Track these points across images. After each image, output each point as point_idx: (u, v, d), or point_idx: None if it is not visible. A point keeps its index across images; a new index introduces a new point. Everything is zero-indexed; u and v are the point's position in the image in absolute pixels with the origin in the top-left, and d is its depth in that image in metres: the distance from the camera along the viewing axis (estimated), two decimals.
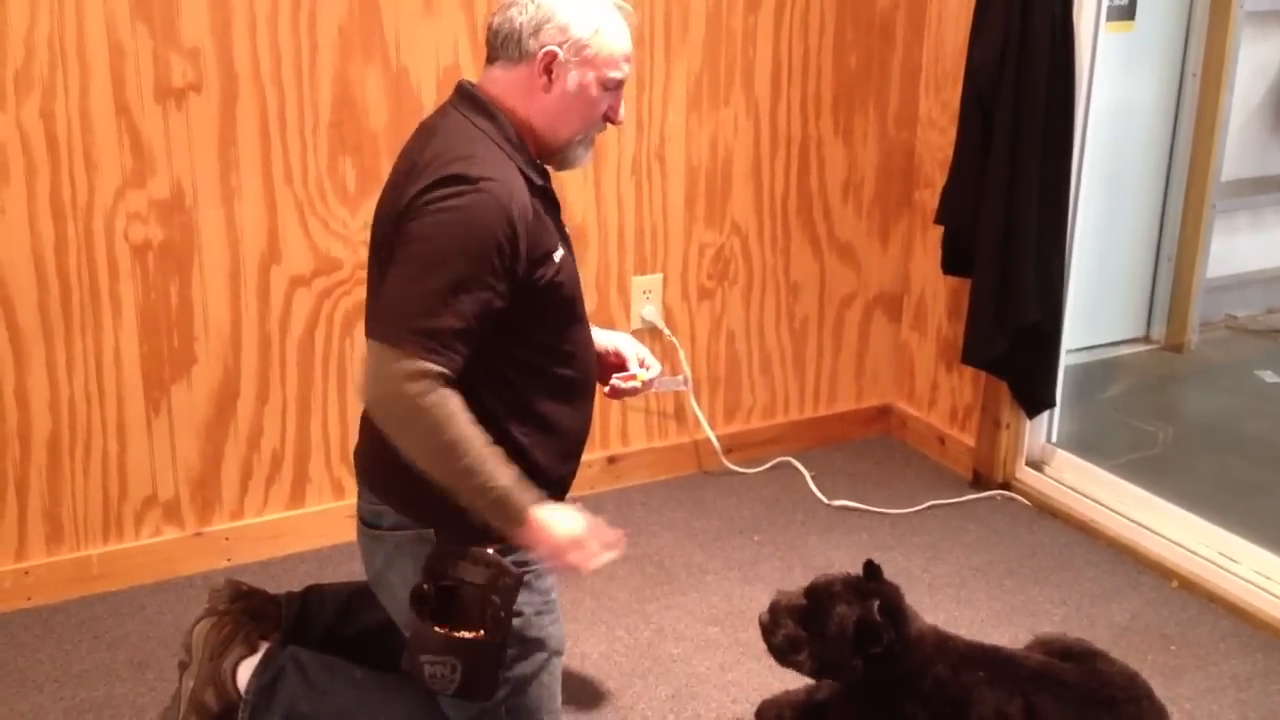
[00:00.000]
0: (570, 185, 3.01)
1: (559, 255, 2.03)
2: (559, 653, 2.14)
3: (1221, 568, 2.85)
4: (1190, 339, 4.10)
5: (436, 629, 1.95)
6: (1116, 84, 3.53)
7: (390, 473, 2.04)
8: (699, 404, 3.33)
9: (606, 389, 2.27)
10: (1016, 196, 2.96)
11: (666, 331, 3.23)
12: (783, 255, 3.34)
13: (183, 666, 2.20)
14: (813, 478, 3.32)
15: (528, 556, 2.03)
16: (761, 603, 2.76)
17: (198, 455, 2.80)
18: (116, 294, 2.64)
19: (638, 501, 3.22)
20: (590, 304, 3.10)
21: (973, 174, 3.04)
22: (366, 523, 2.12)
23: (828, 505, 3.22)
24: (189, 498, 2.81)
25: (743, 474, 3.37)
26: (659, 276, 3.20)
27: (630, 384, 2.26)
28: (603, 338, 2.29)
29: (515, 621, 2.02)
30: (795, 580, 2.86)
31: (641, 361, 2.30)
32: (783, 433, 3.46)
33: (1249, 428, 3.73)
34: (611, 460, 3.27)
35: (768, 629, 2.14)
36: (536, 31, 1.99)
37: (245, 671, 2.15)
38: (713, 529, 3.11)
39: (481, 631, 1.95)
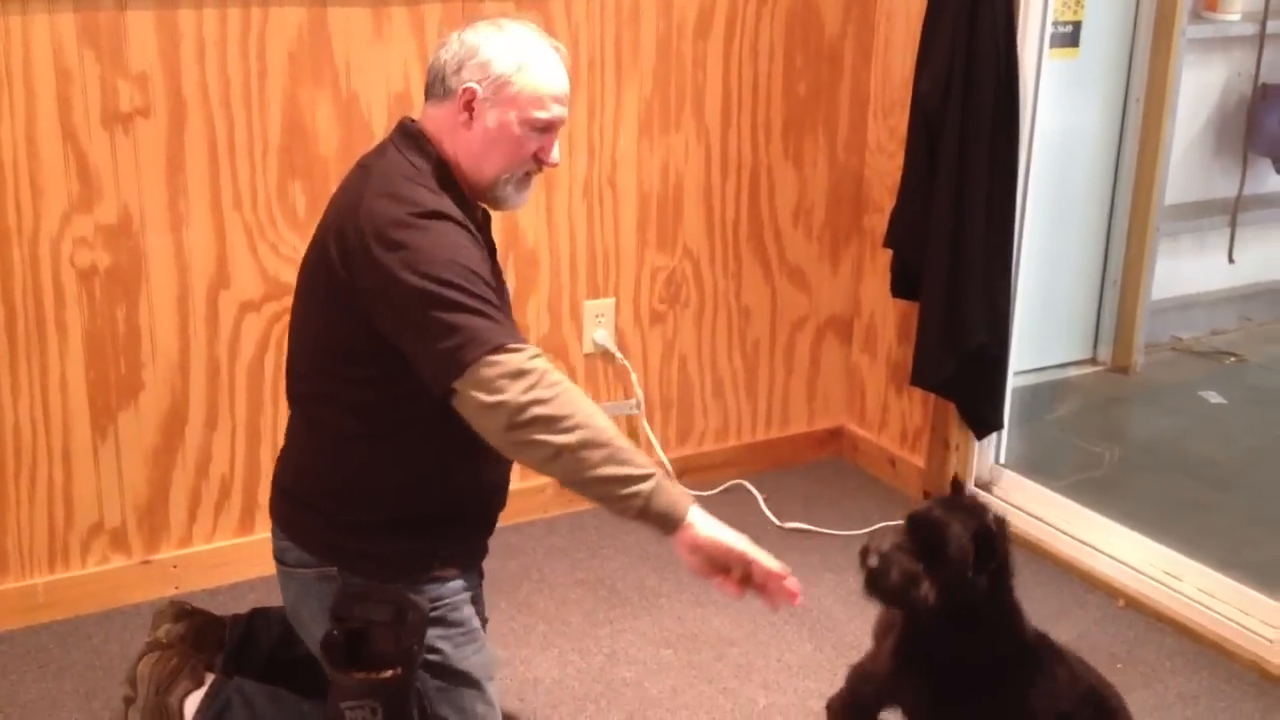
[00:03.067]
0: (523, 210, 3.01)
1: None
2: (489, 679, 2.10)
3: (1168, 586, 2.88)
4: (1136, 360, 4.15)
5: (352, 674, 1.92)
6: (1061, 110, 3.58)
7: (294, 509, 2.05)
8: (651, 428, 3.34)
9: None
10: (963, 221, 3.00)
11: (619, 355, 3.24)
12: (734, 279, 3.37)
13: (128, 701, 2.18)
14: (765, 500, 3.33)
15: (439, 591, 2.00)
16: (715, 625, 2.79)
17: (145, 482, 2.77)
18: (62, 320, 2.62)
19: (590, 525, 3.22)
20: (542, 328, 3.12)
21: (920, 198, 3.08)
22: (277, 559, 2.10)
23: (780, 527, 3.23)
24: (136, 525, 2.79)
25: (695, 497, 3.36)
26: (611, 300, 3.21)
27: None
28: None
29: (435, 658, 1.99)
30: (748, 603, 2.87)
31: None
32: (735, 456, 3.48)
33: (1194, 448, 3.78)
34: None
35: (879, 571, 1.93)
36: (459, 69, 1.98)
37: (192, 705, 2.13)
38: (665, 552, 3.09)
39: (398, 669, 1.92)
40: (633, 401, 3.29)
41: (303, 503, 2.04)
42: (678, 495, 1.86)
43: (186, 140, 2.65)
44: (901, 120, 3.20)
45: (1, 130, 2.49)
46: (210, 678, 2.18)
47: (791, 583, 1.88)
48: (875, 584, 1.94)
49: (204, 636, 2.26)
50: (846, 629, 2.79)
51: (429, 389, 1.85)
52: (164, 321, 2.71)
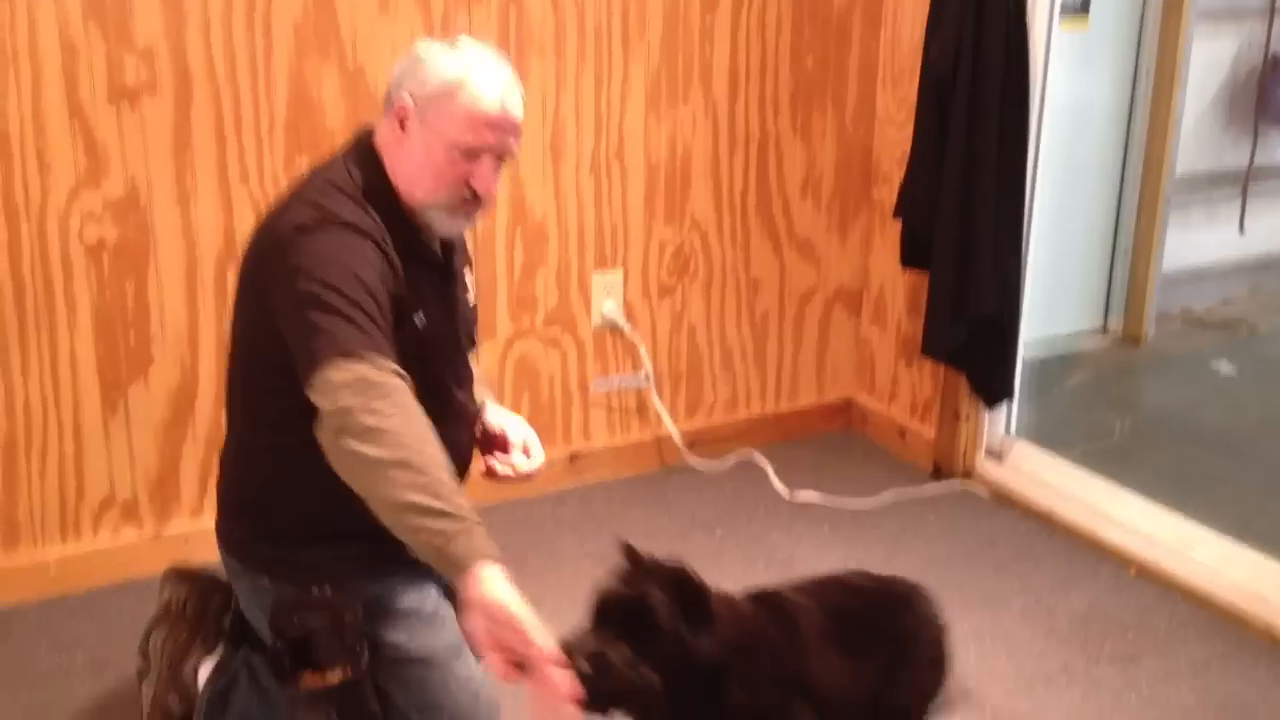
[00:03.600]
0: (530, 183, 3.02)
1: (419, 319, 1.93)
2: (456, 656, 2.01)
3: (1179, 554, 2.88)
4: (1147, 331, 4.14)
5: (300, 685, 1.84)
6: (1072, 81, 3.56)
7: (225, 520, 2.02)
8: (661, 400, 3.33)
9: (484, 469, 2.12)
10: (973, 190, 2.99)
11: (627, 328, 3.23)
12: (743, 251, 3.36)
13: (141, 674, 2.20)
14: (775, 472, 3.33)
15: (376, 589, 1.94)
16: None
17: (156, 456, 2.78)
18: (71, 295, 2.62)
19: (600, 498, 3.22)
20: (550, 301, 3.12)
21: (930, 169, 3.07)
22: (223, 565, 2.06)
23: (789, 499, 3.23)
24: (147, 499, 2.80)
25: (705, 469, 3.37)
26: (619, 273, 3.21)
27: (504, 469, 2.11)
28: (494, 416, 2.17)
29: (392, 651, 1.93)
30: (758, 575, 2.88)
31: (526, 449, 2.13)
32: (745, 428, 3.48)
33: (1205, 418, 3.78)
34: (573, 458, 3.27)
35: (599, 671, 1.65)
36: (400, 83, 1.92)
37: (205, 673, 2.14)
38: (675, 524, 3.11)
39: (348, 670, 1.85)
40: (641, 374, 3.29)
41: (231, 513, 2.00)
42: (481, 546, 1.66)
43: (193, 115, 2.65)
44: (910, 90, 3.19)
45: (8, 106, 2.49)
46: (221, 647, 2.18)
47: (566, 686, 1.58)
48: (599, 689, 1.63)
49: (209, 599, 2.24)
50: None
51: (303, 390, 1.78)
52: (172, 296, 2.71)
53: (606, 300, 3.21)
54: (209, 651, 2.18)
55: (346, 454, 1.69)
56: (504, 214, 3.03)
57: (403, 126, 1.91)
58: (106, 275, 2.64)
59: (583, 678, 1.61)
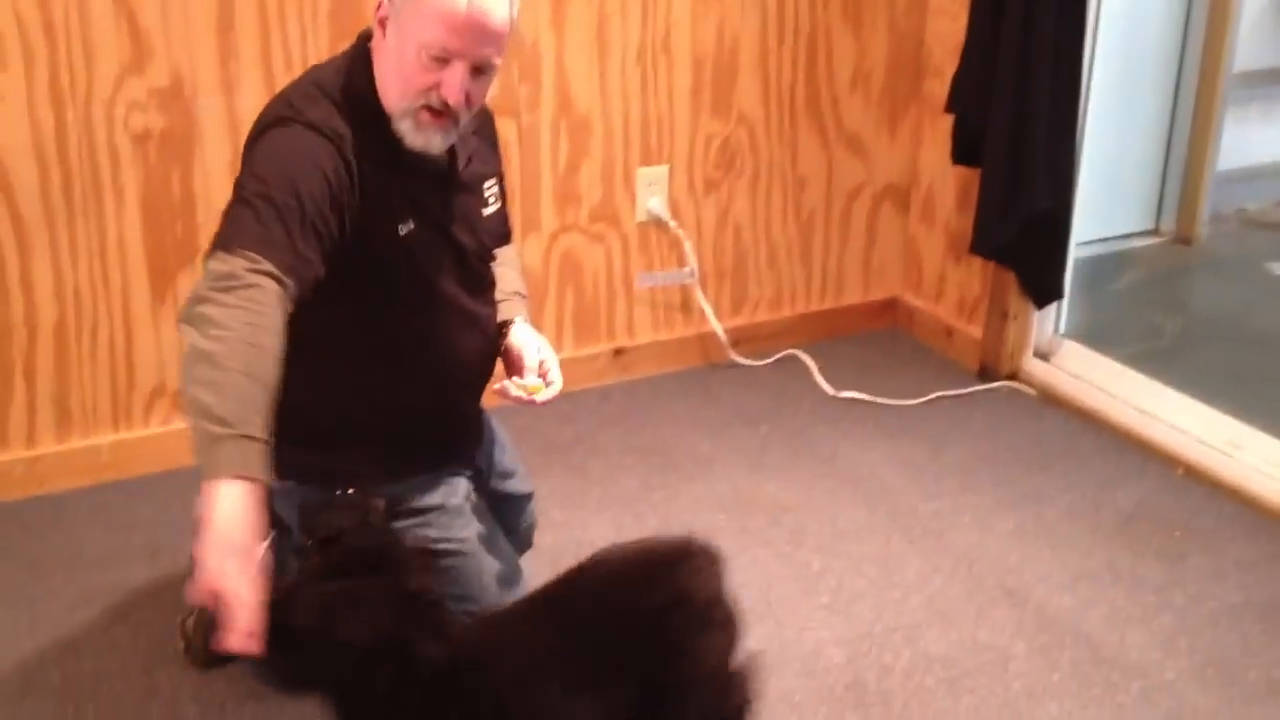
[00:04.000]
0: (574, 75, 2.98)
1: (404, 228, 1.90)
2: (488, 541, 2.06)
3: (1227, 455, 2.86)
4: (1200, 231, 4.07)
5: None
6: None
7: None
8: (705, 297, 3.32)
9: (497, 386, 2.06)
10: (1028, 84, 2.92)
11: (672, 224, 3.21)
12: (789, 147, 3.31)
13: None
14: (819, 369, 3.32)
15: (397, 490, 1.94)
16: (769, 490, 2.80)
17: None
18: (119, 182, 2.62)
19: (644, 394, 3.23)
20: (595, 197, 3.10)
21: (984, 61, 2.99)
22: None
23: (834, 396, 3.22)
24: None
25: (749, 366, 3.37)
26: (664, 168, 3.17)
27: (516, 391, 2.03)
28: (518, 335, 2.11)
29: (422, 541, 1.93)
30: (802, 470, 2.88)
31: (543, 373, 2.07)
32: (789, 326, 3.46)
33: (1257, 320, 3.72)
34: (618, 353, 3.26)
35: (288, 619, 1.50)
36: None
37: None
38: (719, 420, 3.11)
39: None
40: (686, 270, 3.27)
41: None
42: (233, 460, 1.52)
43: (236, 2, 2.61)
44: None
45: None
46: (273, 534, 2.21)
47: (247, 630, 1.45)
48: (288, 638, 1.47)
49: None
50: (900, 496, 2.79)
51: None
52: (219, 185, 2.70)
53: (651, 196, 3.18)
54: (262, 539, 2.20)
55: (182, 338, 1.63)
56: (549, 107, 2.99)
57: (383, 29, 1.86)
58: (153, 164, 2.64)
59: (275, 624, 1.45)
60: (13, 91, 2.49)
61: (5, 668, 2.23)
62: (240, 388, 1.57)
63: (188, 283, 2.73)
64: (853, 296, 3.55)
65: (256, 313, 1.63)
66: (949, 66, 3.19)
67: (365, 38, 1.94)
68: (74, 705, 2.14)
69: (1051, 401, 3.20)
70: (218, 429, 1.53)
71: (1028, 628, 2.37)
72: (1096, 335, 3.32)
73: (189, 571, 2.14)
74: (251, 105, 2.66)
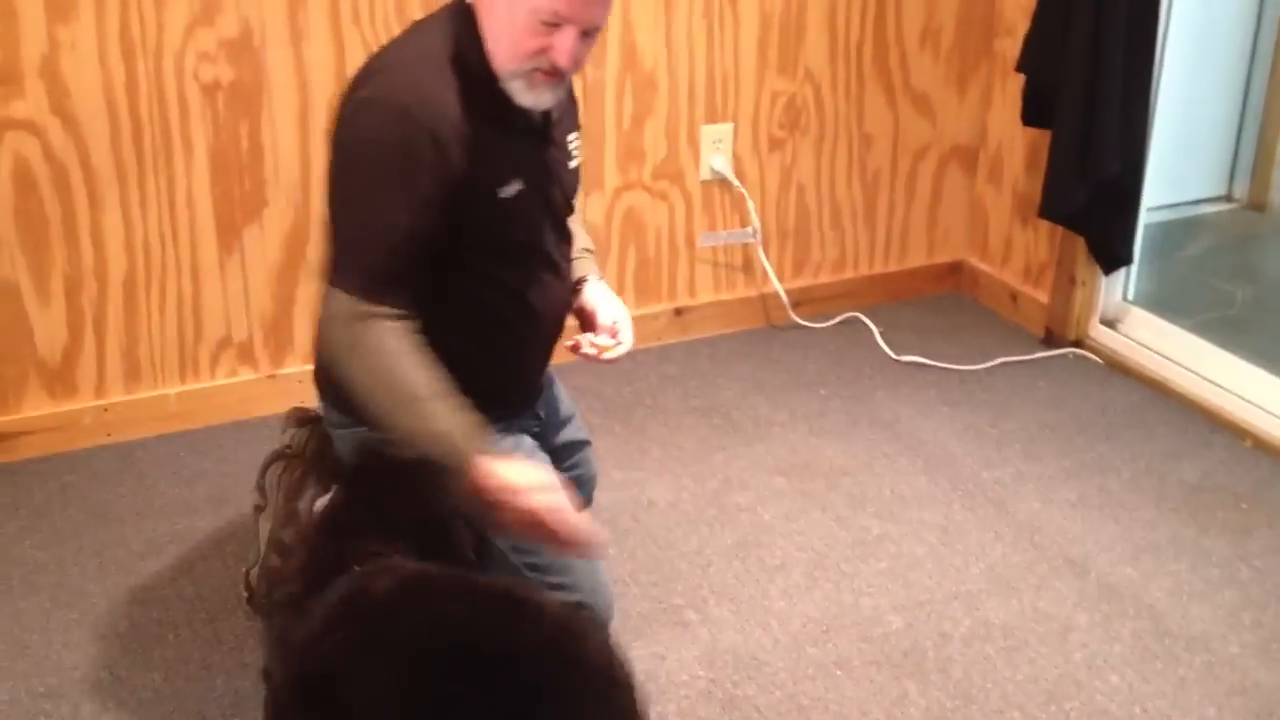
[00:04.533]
0: (640, 29, 2.95)
1: (510, 191, 1.92)
2: None
3: None
4: (1274, 198, 3.97)
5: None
6: None
7: (321, 370, 2.04)
8: (767, 257, 3.29)
9: (570, 342, 2.10)
10: (1102, 44, 2.86)
11: (735, 183, 3.18)
12: (856, 105, 3.27)
13: (258, 509, 2.25)
14: (881, 333, 3.29)
15: None
16: (829, 454, 2.79)
17: (270, 298, 2.82)
18: (188, 135, 2.64)
19: (704, 354, 3.22)
20: (659, 154, 3.08)
21: (1057, 20, 2.93)
22: (323, 420, 2.12)
23: (896, 360, 3.19)
24: (262, 341, 2.84)
25: (810, 328, 3.34)
26: (729, 126, 3.14)
27: (588, 349, 2.08)
28: (592, 293, 2.15)
29: None
30: (862, 435, 2.87)
31: (614, 332, 2.10)
32: (852, 288, 3.43)
33: None
34: (678, 312, 3.26)
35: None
36: None
37: (320, 508, 2.19)
38: (780, 382, 3.10)
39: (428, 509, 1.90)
40: (749, 230, 3.24)
41: (325, 368, 2.02)
42: (479, 445, 1.81)
43: None
44: None
45: None
46: (336, 487, 2.23)
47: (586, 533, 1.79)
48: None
49: (327, 442, 2.30)
50: (962, 463, 2.77)
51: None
52: (286, 139, 2.71)
53: (715, 154, 3.15)
54: (324, 491, 2.22)
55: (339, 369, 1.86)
56: (614, 62, 2.97)
57: None
58: (221, 117, 2.65)
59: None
60: (84, 40, 2.50)
61: (74, 614, 2.27)
62: (436, 407, 1.82)
63: (254, 237, 2.75)
64: (917, 259, 3.52)
65: (392, 353, 1.83)
66: (1021, 25, 3.13)
67: None
68: (140, 652, 2.18)
69: (1118, 370, 3.16)
70: (452, 439, 1.80)
71: (1089, 598, 2.35)
72: (1165, 303, 3.27)
73: (253, 521, 2.17)
74: (320, 57, 2.68)
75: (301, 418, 2.31)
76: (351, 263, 1.84)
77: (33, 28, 2.46)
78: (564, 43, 1.82)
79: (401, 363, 1.83)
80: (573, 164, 2.11)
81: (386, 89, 1.85)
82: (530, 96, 1.88)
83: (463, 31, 1.88)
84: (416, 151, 1.82)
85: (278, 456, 2.26)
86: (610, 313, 2.12)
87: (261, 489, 2.26)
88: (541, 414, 2.20)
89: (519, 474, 1.80)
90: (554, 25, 1.81)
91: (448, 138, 1.83)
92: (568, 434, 2.28)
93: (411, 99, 1.83)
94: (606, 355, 2.07)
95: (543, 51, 1.83)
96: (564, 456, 2.24)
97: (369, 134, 1.84)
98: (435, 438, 1.80)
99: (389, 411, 1.82)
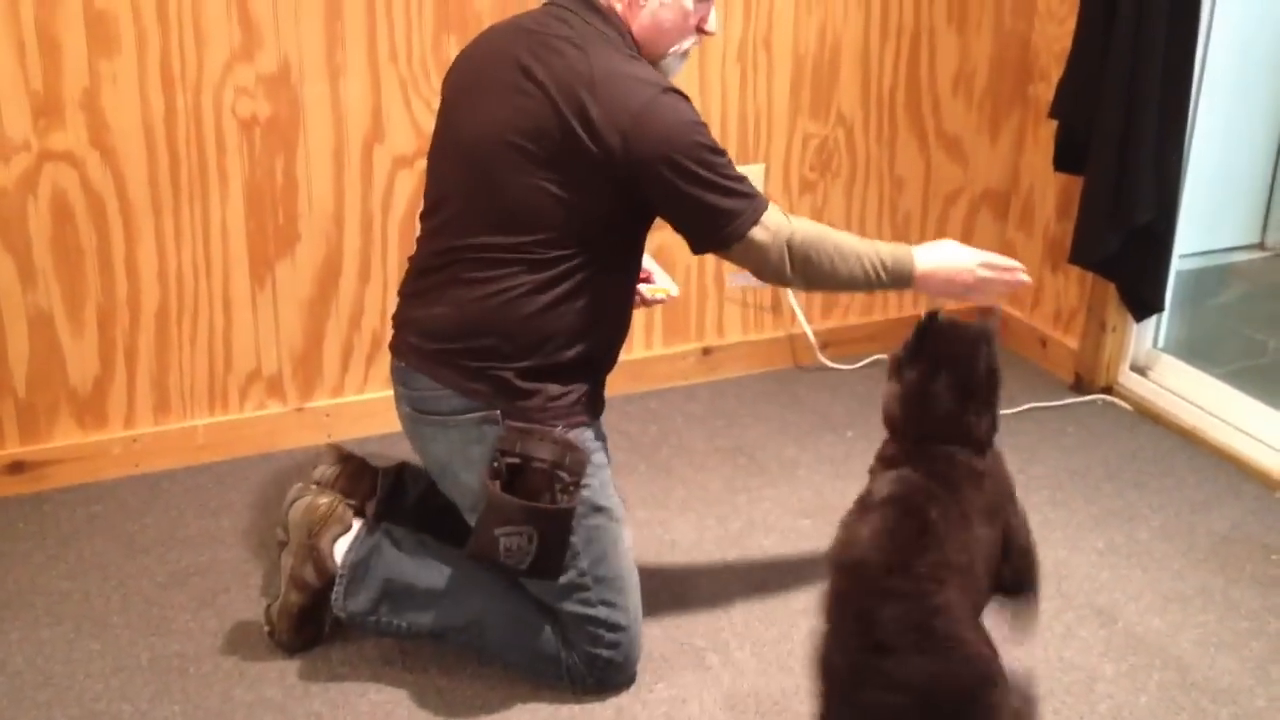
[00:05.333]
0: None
1: None
2: (621, 521, 2.21)
3: None
4: None
5: (516, 498, 2.02)
6: None
7: (454, 357, 2.10)
8: (796, 298, 3.29)
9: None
10: (1137, 91, 2.86)
11: None
12: (888, 148, 3.27)
13: (281, 545, 2.26)
14: None
15: (583, 435, 2.13)
16: (854, 497, 2.76)
17: (300, 332, 2.84)
18: (224, 168, 2.66)
19: (731, 394, 3.21)
20: None
21: (1092, 67, 2.93)
22: (424, 410, 2.15)
23: None
24: (291, 374, 2.86)
25: (838, 370, 3.34)
26: (761, 166, 3.15)
27: (653, 297, 2.42)
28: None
29: (585, 492, 2.09)
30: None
31: (647, 276, 2.41)
32: (880, 330, 3.42)
33: None
34: (706, 352, 3.26)
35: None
36: None
37: (341, 548, 2.20)
38: (806, 424, 3.09)
39: (559, 500, 2.04)
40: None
41: (466, 351, 2.08)
42: (909, 252, 2.26)
43: None
44: None
45: None
46: (358, 523, 2.24)
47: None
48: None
49: (357, 482, 2.33)
50: None
51: (699, 247, 2.13)
52: (320, 173, 2.74)
53: None
54: (344, 529, 2.23)
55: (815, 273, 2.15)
56: None
57: None
58: (258, 151, 2.68)
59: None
60: (125, 74, 2.54)
61: (97, 645, 2.28)
62: (875, 245, 2.19)
63: (286, 271, 2.78)
64: (946, 302, 3.50)
65: (822, 229, 2.15)
66: (1055, 71, 3.14)
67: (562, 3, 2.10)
68: (161, 684, 2.19)
69: (1147, 417, 3.14)
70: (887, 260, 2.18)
71: (1116, 648, 2.33)
72: (1196, 350, 3.25)
73: (277, 555, 2.19)
74: (356, 93, 2.71)
75: (337, 453, 2.34)
76: (748, 201, 2.05)
77: (75, 61, 2.50)
78: (709, 9, 2.12)
79: (832, 235, 2.13)
80: None
81: (647, 83, 2.00)
82: (681, 67, 2.18)
83: (611, 22, 2.07)
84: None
85: (303, 493, 2.27)
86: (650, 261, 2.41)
87: (284, 526, 2.27)
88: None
89: (958, 253, 2.25)
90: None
91: None
92: None
93: (661, 79, 2.05)
94: (651, 296, 2.39)
95: (701, 22, 2.12)
96: None
97: (686, 115, 2.02)
98: (893, 257, 2.17)
99: (852, 268, 2.13)
